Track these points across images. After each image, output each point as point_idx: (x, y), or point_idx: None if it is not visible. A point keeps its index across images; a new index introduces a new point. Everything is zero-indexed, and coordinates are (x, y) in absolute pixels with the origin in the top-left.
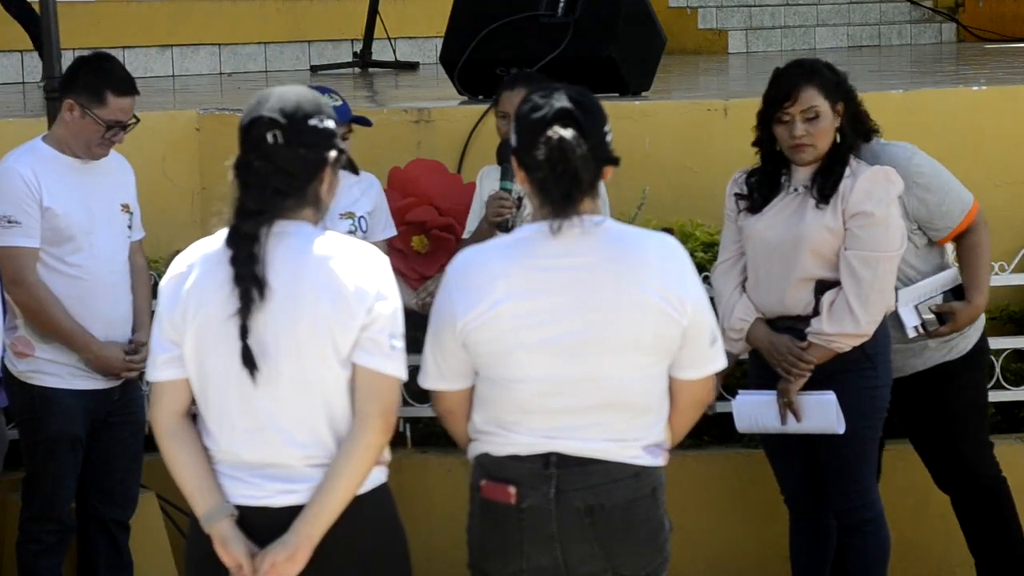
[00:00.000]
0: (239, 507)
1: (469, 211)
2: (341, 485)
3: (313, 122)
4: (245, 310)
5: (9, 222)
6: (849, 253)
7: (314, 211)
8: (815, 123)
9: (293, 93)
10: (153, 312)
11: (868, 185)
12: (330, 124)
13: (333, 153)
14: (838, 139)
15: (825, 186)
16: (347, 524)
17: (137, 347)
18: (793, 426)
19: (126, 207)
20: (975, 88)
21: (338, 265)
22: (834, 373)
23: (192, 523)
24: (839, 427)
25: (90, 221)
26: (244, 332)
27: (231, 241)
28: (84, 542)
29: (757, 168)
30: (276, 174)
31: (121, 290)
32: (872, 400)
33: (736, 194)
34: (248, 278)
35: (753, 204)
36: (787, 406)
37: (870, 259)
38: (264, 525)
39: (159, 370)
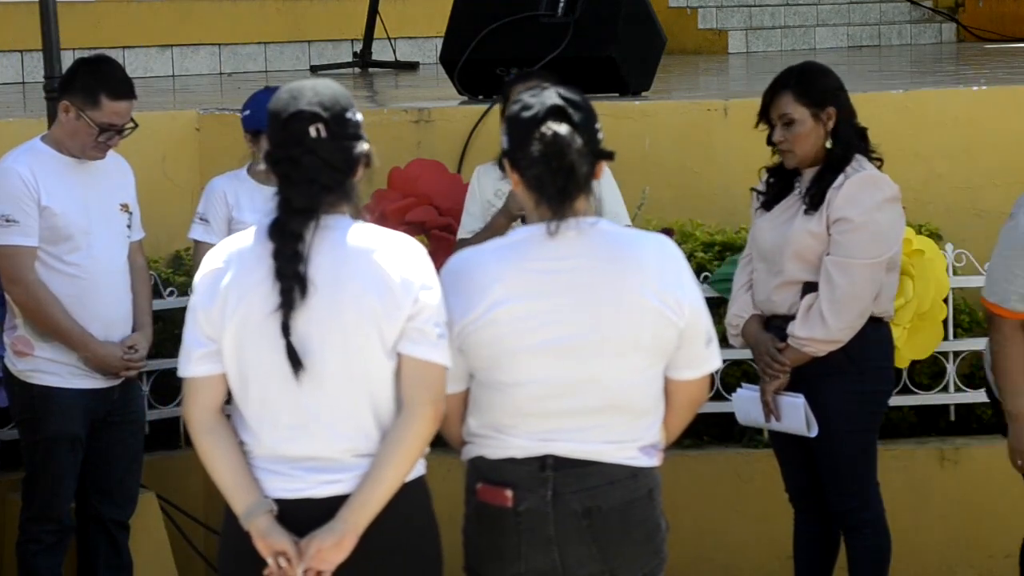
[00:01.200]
0: (279, 501)
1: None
2: (390, 474)
3: (350, 115)
4: (287, 308)
5: (7, 221)
6: (828, 258)
7: (349, 204)
8: (791, 129)
9: (326, 86)
10: (154, 313)
11: (853, 190)
12: (360, 116)
13: (366, 145)
14: (829, 144)
15: (815, 194)
16: (389, 512)
17: (135, 346)
18: (774, 424)
19: (125, 207)
20: (975, 88)
21: (382, 257)
22: (819, 376)
23: (227, 520)
24: (810, 431)
25: (88, 220)
26: (287, 330)
27: (275, 236)
28: (84, 542)
29: (777, 167)
30: (323, 169)
31: (120, 290)
32: (857, 405)
33: (755, 190)
34: (291, 276)
35: (765, 202)
36: (765, 404)
37: (845, 265)
38: (307, 517)
39: (195, 365)
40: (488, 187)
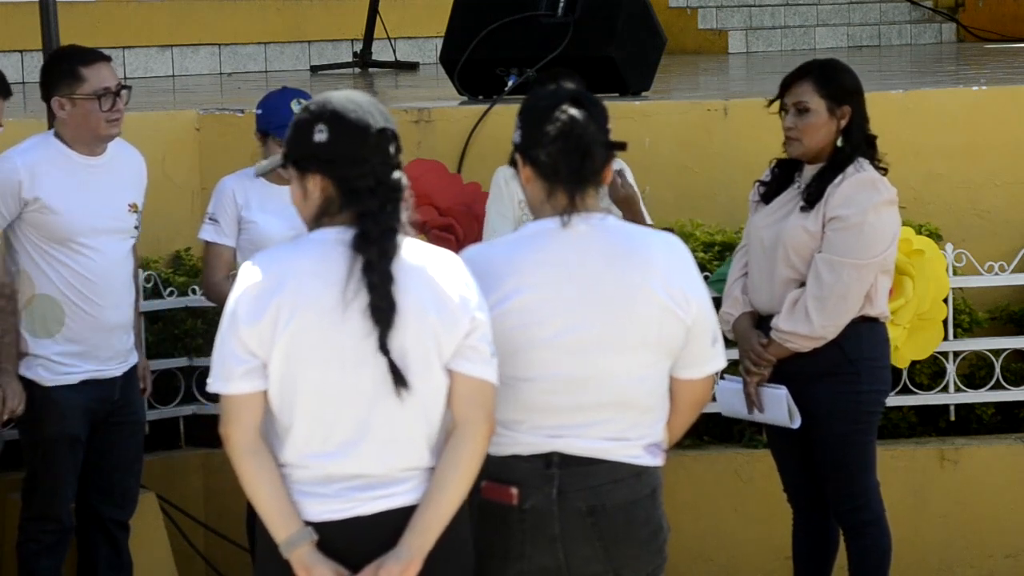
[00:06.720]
0: (324, 524)
1: (483, 214)
2: (451, 496)
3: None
4: (385, 326)
5: None
6: (818, 256)
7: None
8: (804, 117)
9: (366, 98)
10: (154, 313)
11: (851, 190)
12: None
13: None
14: (839, 143)
15: (814, 191)
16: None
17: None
18: (756, 415)
19: (134, 207)
20: (975, 88)
21: (437, 275)
22: (816, 376)
23: (262, 537)
24: (792, 422)
25: (94, 221)
26: (385, 348)
27: (369, 271)
28: (84, 542)
29: (783, 159)
30: (406, 185)
31: (123, 293)
32: (855, 404)
33: (759, 181)
34: (387, 308)
35: (765, 194)
36: (748, 396)
37: (835, 263)
38: (354, 536)
39: (238, 382)
40: (514, 190)
